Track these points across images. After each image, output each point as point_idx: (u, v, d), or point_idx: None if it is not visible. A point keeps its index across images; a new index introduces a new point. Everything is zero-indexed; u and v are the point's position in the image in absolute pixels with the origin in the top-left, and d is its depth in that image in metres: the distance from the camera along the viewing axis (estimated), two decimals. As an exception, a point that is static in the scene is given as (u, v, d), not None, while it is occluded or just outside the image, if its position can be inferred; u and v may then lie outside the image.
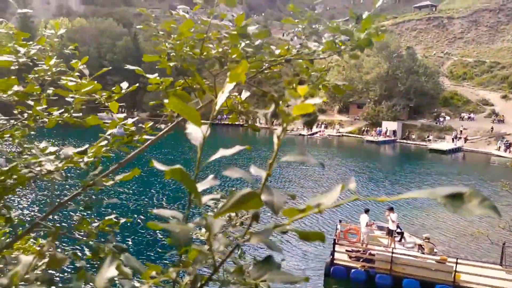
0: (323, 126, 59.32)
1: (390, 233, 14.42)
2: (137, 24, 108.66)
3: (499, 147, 43.23)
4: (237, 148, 0.83)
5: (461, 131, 48.47)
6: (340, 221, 15.99)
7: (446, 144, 45.67)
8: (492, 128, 47.38)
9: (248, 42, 1.77)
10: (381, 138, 50.63)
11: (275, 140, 0.78)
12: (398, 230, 15.01)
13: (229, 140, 51.04)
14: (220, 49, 1.84)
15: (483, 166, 37.56)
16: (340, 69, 61.97)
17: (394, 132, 52.06)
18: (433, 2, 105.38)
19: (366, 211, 14.79)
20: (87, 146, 1.82)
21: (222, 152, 0.81)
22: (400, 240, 14.96)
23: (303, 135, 55.46)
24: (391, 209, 14.66)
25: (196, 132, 0.80)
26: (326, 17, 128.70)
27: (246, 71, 0.80)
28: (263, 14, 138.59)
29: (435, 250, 14.20)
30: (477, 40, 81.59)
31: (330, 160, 36.67)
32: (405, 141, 51.07)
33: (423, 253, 13.79)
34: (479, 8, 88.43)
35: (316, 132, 55.74)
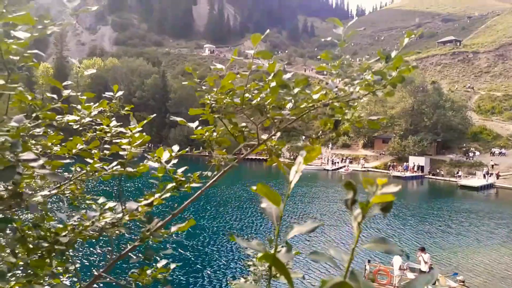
0: (347, 161, 58.58)
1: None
2: (165, 63, 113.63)
3: (535, 183, 41.25)
4: (311, 225, 0.90)
5: (492, 166, 46.72)
6: (369, 261, 15.36)
7: (477, 180, 43.97)
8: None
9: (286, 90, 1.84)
10: (408, 174, 49.34)
11: (355, 227, 0.84)
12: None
13: (254, 175, 51.01)
14: (259, 98, 1.92)
15: (519, 203, 35.78)
16: (364, 104, 61.80)
17: (422, 167, 50.70)
18: (457, 37, 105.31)
19: (422, 249, 14.21)
20: (152, 199, 1.90)
21: (298, 229, 0.88)
22: (434, 284, 14.18)
23: (327, 170, 54.84)
24: (422, 249, 14.04)
25: (273, 209, 0.88)
26: (350, 52, 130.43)
27: (319, 154, 0.93)
28: (286, 51, 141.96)
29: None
30: (504, 74, 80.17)
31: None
32: (433, 176, 49.55)
33: (459, 298, 12.99)
34: (505, 42, 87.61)
35: (342, 167, 55.03)
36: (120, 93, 2.57)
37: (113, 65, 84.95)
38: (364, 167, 55.63)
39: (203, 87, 2.06)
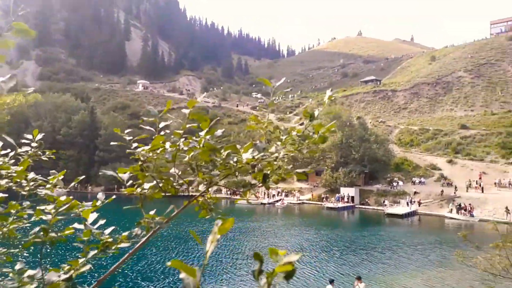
0: (283, 194, 59.66)
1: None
2: (95, 98, 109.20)
3: (451, 209, 45.10)
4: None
5: (414, 193, 50.47)
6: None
7: (401, 208, 47.05)
8: (442, 191, 49.75)
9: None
10: (340, 205, 51.40)
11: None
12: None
13: (190, 213, 49.64)
14: (191, 155, 1.96)
15: (439, 228, 38.70)
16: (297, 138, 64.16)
17: (352, 197, 53.21)
18: (377, 77, 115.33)
19: (331, 281, 14.46)
20: (71, 272, 1.75)
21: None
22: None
23: (264, 203, 55.27)
24: (359, 278, 14.44)
25: (190, 280, 0.93)
26: (282, 89, 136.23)
27: (232, 225, 1.02)
28: (221, 88, 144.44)
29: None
30: (419, 110, 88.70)
31: (289, 230, 36.41)
32: (363, 206, 52.14)
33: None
34: (418, 81, 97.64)
35: (278, 201, 55.79)
36: (40, 136, 2.41)
37: (35, 101, 79.72)
38: (299, 200, 56.99)
39: (134, 144, 2.03)
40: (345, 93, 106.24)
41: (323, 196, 56.08)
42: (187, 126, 1.86)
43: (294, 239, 31.47)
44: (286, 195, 59.49)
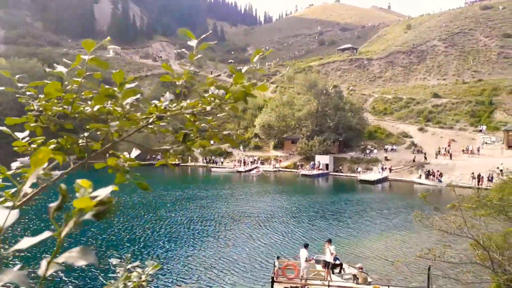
0: (259, 162, 60.19)
1: (327, 265, 14.56)
2: (62, 64, 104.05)
3: (420, 175, 46.84)
4: (43, 235, 0.78)
5: (386, 159, 51.94)
6: (278, 258, 15.89)
7: (373, 175, 48.49)
8: (414, 158, 51.43)
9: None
10: (315, 172, 52.43)
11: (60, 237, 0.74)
12: (337, 262, 15.26)
13: (168, 180, 49.59)
14: (92, 108, 1.71)
15: (408, 193, 40.22)
16: (274, 107, 64.27)
17: (327, 165, 54.30)
18: (354, 45, 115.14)
19: (306, 246, 14.90)
20: None
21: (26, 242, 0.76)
22: (340, 272, 15.19)
23: (240, 171, 55.72)
24: (329, 241, 14.90)
25: None
26: (258, 57, 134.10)
27: (49, 156, 0.83)
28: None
29: (368, 279, 14.58)
30: (394, 79, 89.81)
31: (263, 196, 36.98)
32: (337, 173, 53.39)
33: (358, 283, 14.09)
34: (394, 50, 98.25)
35: (253, 168, 56.29)
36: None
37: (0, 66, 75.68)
38: (275, 168, 57.70)
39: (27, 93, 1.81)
40: (321, 61, 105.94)
41: (298, 163, 56.94)
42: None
43: (268, 205, 32.04)
44: (262, 163, 60.07)
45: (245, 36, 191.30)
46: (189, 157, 65.30)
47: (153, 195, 35.70)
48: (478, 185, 39.19)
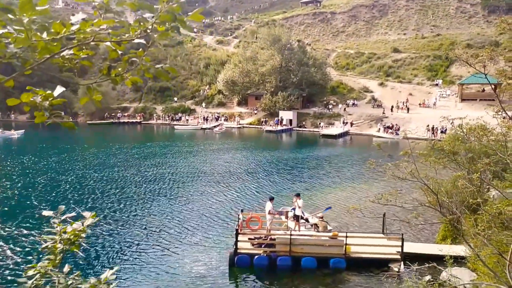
0: (223, 119, 59.85)
1: (297, 218, 15.05)
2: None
3: (379, 129, 48.55)
4: None
5: (346, 113, 53.19)
6: (242, 211, 16.25)
7: (335, 129, 49.73)
8: (383, 113, 52.96)
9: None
10: (279, 128, 52.99)
11: None
12: (304, 215, 15.83)
13: (127, 138, 48.44)
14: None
15: (367, 146, 41.77)
16: (236, 62, 63.04)
17: (291, 121, 54.92)
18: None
19: (271, 199, 15.26)
20: None
21: None
22: (306, 221, 15.83)
23: (204, 128, 55.32)
24: (297, 195, 15.30)
25: None
26: (221, 10, 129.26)
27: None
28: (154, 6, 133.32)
29: (328, 227, 15.32)
30: (356, 34, 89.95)
31: (227, 153, 37.14)
32: (300, 129, 54.25)
33: (318, 231, 14.79)
34: (357, 4, 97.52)
35: (216, 125, 55.97)
36: None
37: None
38: (240, 124, 57.68)
39: None
40: (285, 15, 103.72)
41: (262, 120, 57.14)
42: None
43: (232, 161, 32.30)
44: (226, 120, 59.78)
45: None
46: (154, 115, 63.77)
47: (107, 154, 34.90)
48: (432, 136, 41.22)
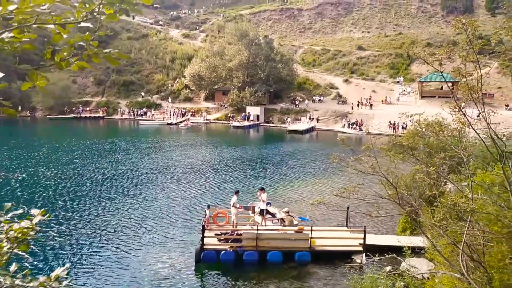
0: (189, 114, 59.13)
1: (261, 212, 15.10)
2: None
3: (344, 124, 49.66)
4: None
5: (312, 110, 54.02)
6: (209, 207, 16.16)
7: (302, 125, 50.38)
8: (354, 109, 54.02)
9: None
10: (246, 123, 53.00)
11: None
12: (270, 208, 15.89)
13: (87, 133, 46.86)
14: None
15: (332, 142, 42.63)
16: (204, 57, 62.36)
17: (258, 116, 55.06)
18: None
19: (236, 192, 15.24)
20: None
21: None
22: (273, 215, 15.90)
23: (170, 124, 54.44)
24: (262, 189, 15.35)
25: None
26: (187, 3, 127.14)
27: None
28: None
29: (294, 222, 15.52)
30: (322, 31, 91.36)
31: (193, 149, 36.79)
32: (267, 124, 54.53)
33: (284, 226, 14.95)
34: (323, 1, 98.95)
35: (182, 121, 55.19)
36: None
37: None
38: (207, 119, 57.20)
39: None
40: (252, 10, 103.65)
41: (229, 115, 56.95)
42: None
43: (198, 157, 32.02)
44: (193, 115, 59.11)
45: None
46: (119, 110, 61.92)
47: (64, 150, 33.58)
48: (394, 132, 42.64)
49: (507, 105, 46.14)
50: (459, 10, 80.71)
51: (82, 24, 1.62)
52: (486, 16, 77.31)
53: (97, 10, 1.58)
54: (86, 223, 16.60)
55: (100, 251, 13.95)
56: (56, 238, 14.76)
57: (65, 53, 1.68)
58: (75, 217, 17.26)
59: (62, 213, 17.61)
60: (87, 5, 1.58)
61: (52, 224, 15.87)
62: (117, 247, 14.26)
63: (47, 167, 26.71)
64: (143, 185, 22.88)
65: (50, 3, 1.46)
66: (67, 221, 16.61)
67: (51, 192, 20.94)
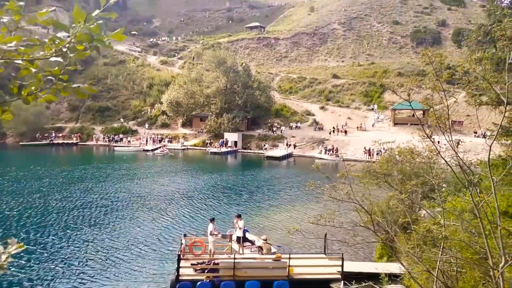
0: (166, 140, 58.60)
1: (238, 240, 14.87)
2: None
3: (321, 151, 50.29)
4: None
5: (290, 136, 54.58)
6: (185, 235, 15.79)
7: (279, 151, 50.71)
8: (330, 134, 54.80)
9: None
10: (223, 149, 52.91)
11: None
12: (248, 236, 15.67)
13: (59, 160, 45.53)
14: None
15: (309, 168, 42.96)
16: (182, 83, 62.58)
17: (235, 142, 55.13)
18: (261, 24, 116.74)
19: (212, 220, 15.00)
20: None
21: None
22: (252, 243, 15.67)
23: (147, 150, 53.68)
24: (239, 216, 15.17)
25: None
26: (165, 31, 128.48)
27: None
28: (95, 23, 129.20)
29: (272, 249, 15.34)
30: (298, 59, 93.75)
31: (171, 175, 36.30)
32: (245, 150, 54.60)
33: (262, 254, 14.74)
34: (299, 31, 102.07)
35: (159, 147, 54.51)
36: None
37: None
38: (184, 146, 56.79)
39: None
40: (230, 38, 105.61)
41: (207, 141, 56.79)
42: None
43: (175, 184, 31.53)
44: (170, 141, 58.61)
45: (150, 7, 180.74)
46: (94, 136, 60.66)
47: (31, 177, 32.22)
48: (369, 158, 43.45)
49: (475, 132, 47.97)
50: (427, 42, 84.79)
51: (52, 59, 1.62)
52: (453, 47, 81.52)
53: (67, 46, 1.58)
54: (49, 256, 15.79)
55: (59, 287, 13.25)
56: (14, 272, 13.80)
57: (32, 88, 1.66)
58: (38, 250, 16.39)
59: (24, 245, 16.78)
60: (57, 42, 1.58)
61: (11, 257, 15.00)
62: (83, 283, 13.60)
63: (10, 196, 25.50)
64: (113, 215, 22.11)
65: (18, 41, 1.46)
66: (29, 254, 15.67)
67: (13, 223, 19.92)
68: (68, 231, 18.87)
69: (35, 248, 16.50)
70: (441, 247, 6.79)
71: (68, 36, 1.54)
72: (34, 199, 24.99)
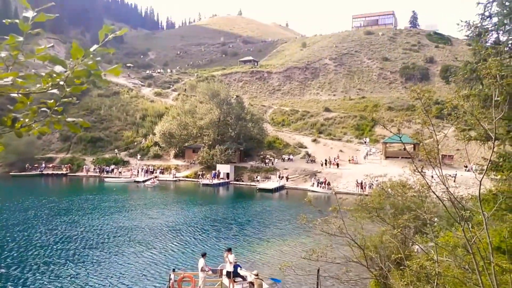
0: (158, 171, 58.18)
1: (228, 275, 14.51)
2: None
3: (313, 183, 50.18)
4: None
5: (282, 168, 54.50)
6: (174, 270, 15.37)
7: (272, 183, 50.49)
8: (322, 167, 54.84)
9: None
10: (216, 181, 52.56)
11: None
12: (239, 270, 15.29)
13: (47, 191, 44.72)
14: None
15: (302, 200, 42.67)
16: (175, 114, 62.95)
17: (228, 174, 54.87)
18: (255, 58, 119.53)
19: (203, 255, 14.67)
20: None
21: None
22: (243, 279, 15.26)
23: (138, 181, 53.11)
24: (229, 250, 14.87)
25: None
26: (160, 63, 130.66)
27: None
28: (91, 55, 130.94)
29: (264, 285, 14.93)
30: (291, 92, 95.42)
31: (161, 207, 35.78)
32: (237, 182, 54.28)
33: (253, 290, 14.32)
34: (291, 65, 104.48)
35: (150, 179, 53.99)
36: None
37: None
38: (176, 177, 56.36)
39: None
40: (224, 71, 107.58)
41: (199, 173, 56.48)
42: None
43: (165, 217, 30.99)
44: (162, 172, 58.19)
45: (145, 41, 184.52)
46: (85, 167, 59.98)
47: (14, 209, 31.29)
48: (361, 191, 43.39)
49: (466, 166, 48.43)
50: (416, 77, 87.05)
51: (49, 91, 1.63)
52: (441, 83, 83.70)
53: (64, 79, 1.60)
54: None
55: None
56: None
57: (26, 120, 1.66)
58: (18, 287, 15.78)
59: (1, 282, 16.11)
60: (54, 75, 1.60)
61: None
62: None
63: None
64: (98, 248, 21.43)
65: (14, 76, 1.48)
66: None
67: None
68: (50, 266, 18.22)
69: (15, 285, 15.87)
70: (435, 283, 6.67)
71: (65, 71, 1.56)
72: (17, 231, 24.27)
